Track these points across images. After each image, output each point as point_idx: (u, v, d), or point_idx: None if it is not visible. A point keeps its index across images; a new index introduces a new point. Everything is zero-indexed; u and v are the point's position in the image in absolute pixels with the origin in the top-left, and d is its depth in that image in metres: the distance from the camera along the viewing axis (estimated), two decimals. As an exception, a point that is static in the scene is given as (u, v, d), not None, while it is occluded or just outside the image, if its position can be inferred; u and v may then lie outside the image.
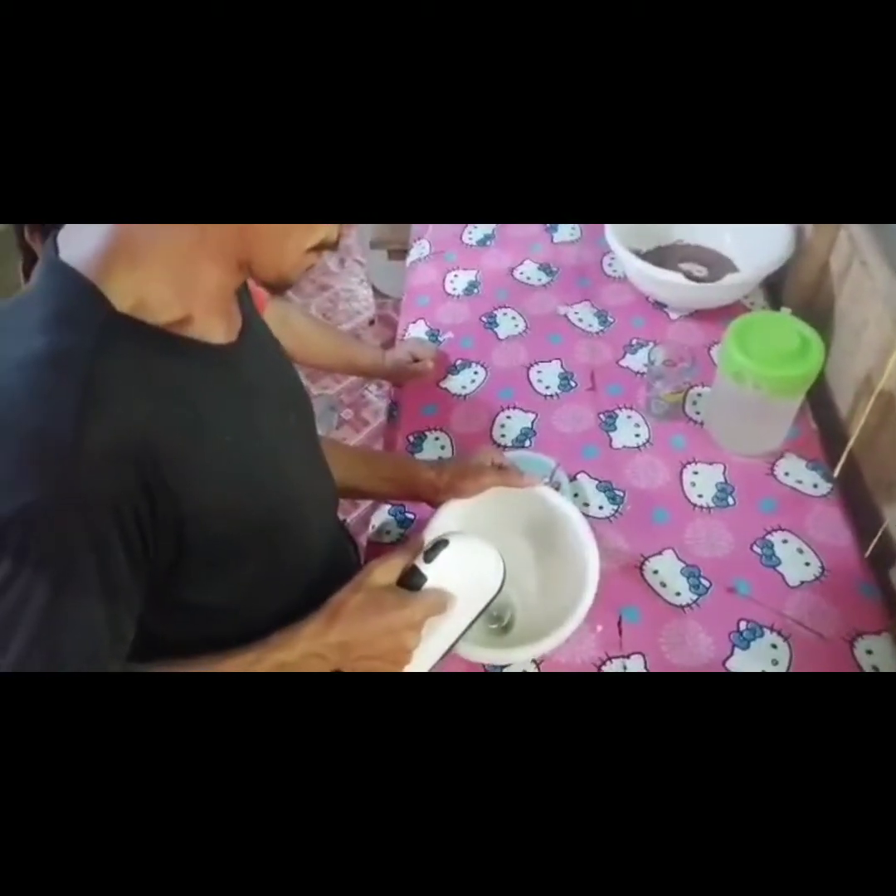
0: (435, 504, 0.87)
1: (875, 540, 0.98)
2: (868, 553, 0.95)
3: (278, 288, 0.60)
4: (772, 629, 0.85)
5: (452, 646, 0.66)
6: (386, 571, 0.63)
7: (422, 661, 0.65)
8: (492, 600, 0.67)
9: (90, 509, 0.48)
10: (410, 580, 0.63)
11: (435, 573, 0.63)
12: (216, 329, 0.58)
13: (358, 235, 2.24)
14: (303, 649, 0.60)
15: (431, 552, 0.64)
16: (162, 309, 0.53)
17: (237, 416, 0.59)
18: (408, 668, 0.64)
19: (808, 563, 0.91)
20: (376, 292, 2.37)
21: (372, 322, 2.33)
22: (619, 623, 0.87)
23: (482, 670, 0.81)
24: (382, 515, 1.02)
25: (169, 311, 0.53)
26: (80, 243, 0.52)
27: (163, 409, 0.51)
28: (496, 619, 0.84)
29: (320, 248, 0.59)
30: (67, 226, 0.54)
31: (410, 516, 1.01)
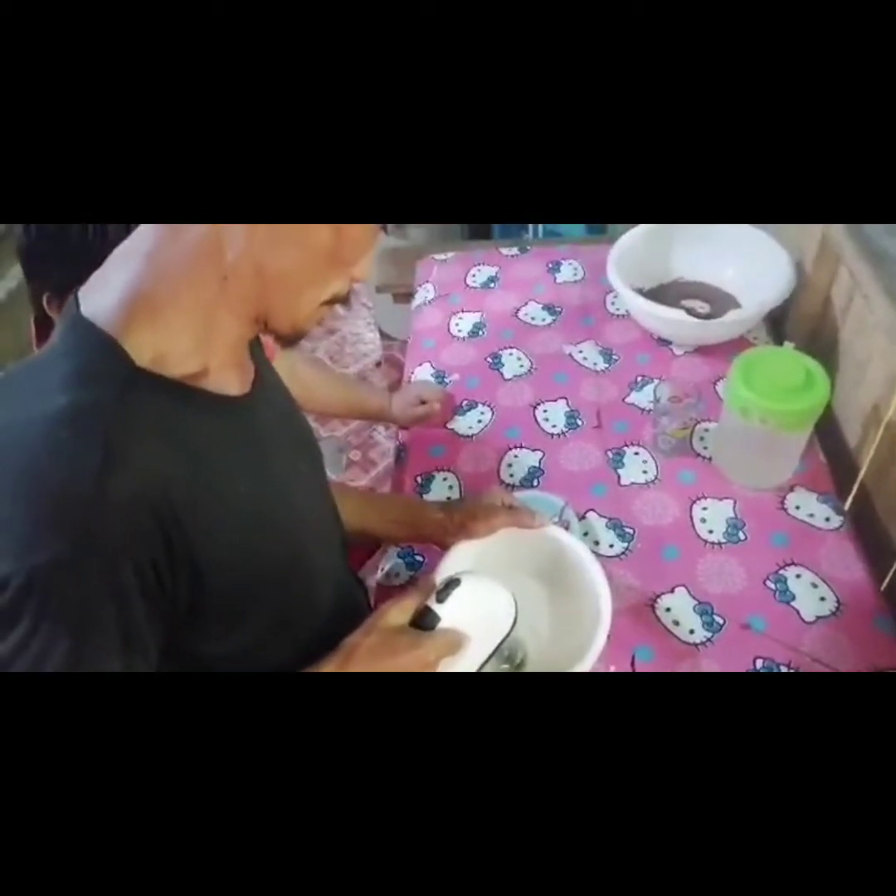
0: (445, 546, 0.87)
1: (891, 572, 0.97)
2: (884, 586, 0.94)
3: (291, 340, 0.61)
4: (788, 667, 0.84)
5: None
6: (399, 613, 0.63)
7: None
8: (504, 639, 0.67)
9: (110, 559, 0.48)
10: (423, 621, 0.63)
11: (447, 613, 0.63)
12: (231, 381, 0.59)
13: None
14: None
15: (443, 592, 0.64)
16: (180, 362, 0.54)
17: (251, 465, 0.59)
18: None
19: (823, 598, 0.90)
20: (383, 335, 2.39)
21: (379, 364, 2.35)
22: (633, 663, 0.86)
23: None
24: (391, 559, 1.02)
25: (187, 364, 0.54)
26: (101, 298, 0.53)
27: (180, 461, 0.52)
28: (508, 659, 0.83)
29: (333, 301, 0.60)
30: (89, 281, 0.55)
31: (419, 559, 1.01)
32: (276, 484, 0.62)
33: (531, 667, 0.83)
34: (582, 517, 1.01)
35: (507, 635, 0.67)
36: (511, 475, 1.09)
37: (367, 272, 0.61)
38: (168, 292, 0.53)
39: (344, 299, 0.61)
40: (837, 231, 1.08)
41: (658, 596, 0.92)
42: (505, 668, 0.83)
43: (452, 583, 0.64)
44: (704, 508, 1.01)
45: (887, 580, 0.96)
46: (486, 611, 0.66)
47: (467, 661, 0.65)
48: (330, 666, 0.61)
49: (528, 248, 1.52)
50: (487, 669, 0.67)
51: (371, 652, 0.60)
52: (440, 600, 0.63)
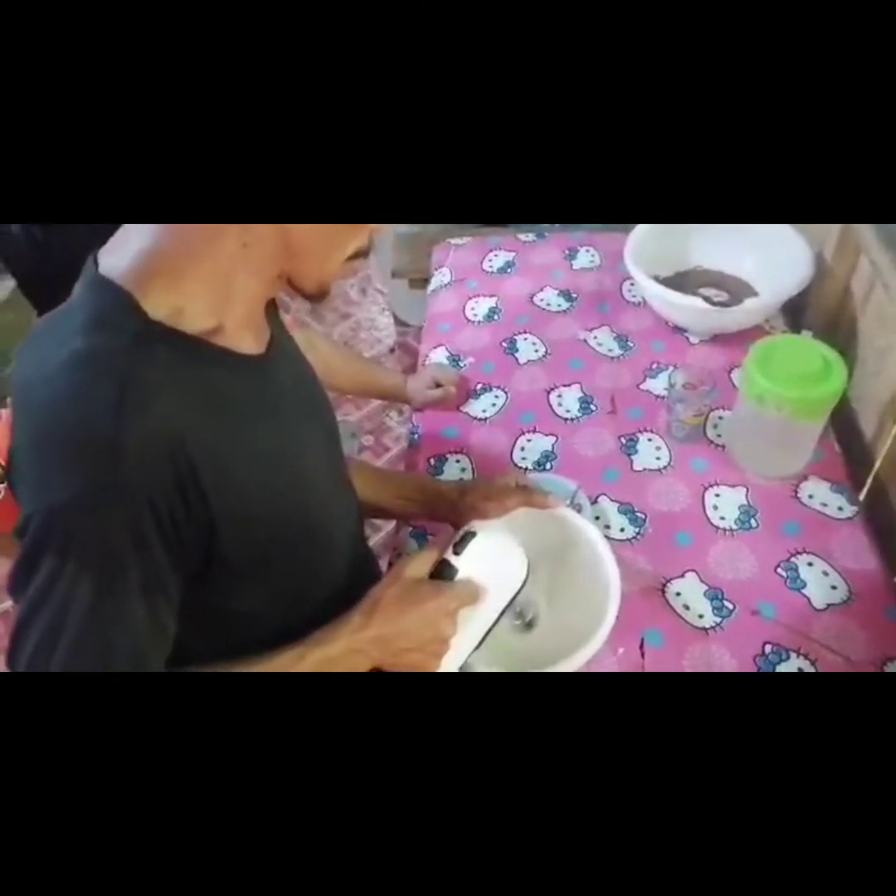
0: (457, 525, 0.87)
1: (903, 564, 0.97)
2: (896, 577, 0.94)
3: (317, 297, 0.62)
4: (798, 653, 0.84)
5: (484, 638, 0.68)
6: (419, 564, 0.65)
7: (456, 653, 0.67)
8: (518, 592, 0.69)
9: (130, 506, 0.49)
10: (442, 572, 0.65)
11: (464, 565, 0.66)
12: (246, 340, 0.60)
13: (379, 265, 2.27)
14: (344, 644, 0.61)
15: (460, 544, 0.66)
16: (196, 319, 0.54)
17: (266, 423, 0.60)
18: (444, 660, 0.65)
19: (834, 587, 0.90)
20: (397, 321, 2.39)
21: (392, 350, 2.35)
22: (642, 646, 0.86)
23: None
24: (404, 538, 1.02)
25: (202, 321, 0.55)
26: (119, 258, 0.54)
27: (196, 412, 0.53)
28: (520, 615, 0.85)
29: (357, 255, 0.61)
30: (108, 243, 0.56)
31: (431, 537, 1.01)
32: (290, 444, 0.63)
33: (539, 648, 0.84)
34: (594, 501, 1.01)
35: (521, 587, 0.69)
36: (524, 459, 1.09)
37: (384, 225, 0.62)
38: (186, 258, 0.54)
39: (366, 253, 0.62)
40: (859, 220, 1.08)
41: (669, 580, 0.92)
42: (517, 624, 0.84)
43: (468, 535, 0.67)
44: (717, 495, 1.01)
45: (900, 571, 0.96)
46: (500, 564, 0.68)
47: (484, 614, 0.67)
48: (357, 619, 0.62)
49: (546, 234, 1.52)
50: (501, 624, 0.69)
51: (396, 602, 0.62)
52: (457, 552, 0.66)
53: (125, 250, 0.54)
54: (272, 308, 0.67)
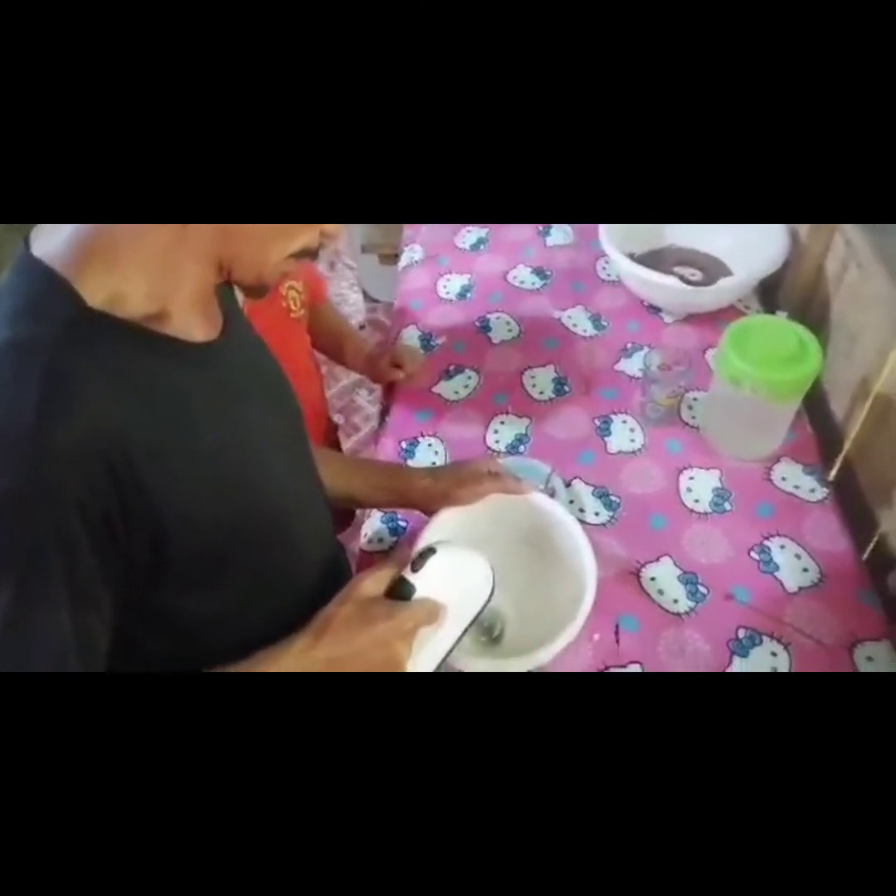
0: (429, 512, 0.85)
1: (871, 545, 0.98)
2: (865, 558, 0.95)
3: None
4: (771, 637, 0.84)
5: (445, 658, 0.65)
6: (374, 583, 0.61)
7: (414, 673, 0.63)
8: (482, 609, 0.65)
9: (56, 507, 0.45)
10: (399, 591, 0.61)
11: (424, 583, 0.61)
12: (196, 327, 0.57)
13: (348, 239, 2.23)
14: (290, 666, 0.57)
15: (419, 561, 0.62)
16: (136, 304, 0.51)
17: (219, 415, 0.57)
18: None
19: (806, 569, 0.90)
20: (367, 296, 2.35)
21: (363, 327, 2.31)
22: (617, 631, 0.86)
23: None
24: (374, 524, 1.00)
25: (144, 305, 0.52)
26: (53, 239, 0.50)
27: (135, 406, 0.49)
28: (487, 631, 0.82)
29: (302, 255, 0.58)
30: (42, 224, 0.52)
31: (403, 524, 0.99)
32: (246, 436, 0.60)
33: (514, 636, 0.83)
34: (568, 484, 1.00)
35: (486, 604, 0.65)
36: (497, 441, 1.08)
37: (338, 228, 0.59)
38: (125, 235, 0.50)
39: (313, 253, 0.59)
40: (834, 199, 1.07)
41: (643, 565, 0.92)
42: (483, 640, 0.82)
43: (427, 552, 0.62)
44: (691, 478, 1.01)
45: (867, 552, 0.96)
46: (463, 581, 0.64)
47: (445, 633, 0.63)
48: (304, 639, 0.58)
49: (519, 209, 1.49)
50: (466, 640, 0.66)
51: (346, 623, 0.58)
52: (415, 570, 0.61)
53: (59, 232, 0.50)
54: (226, 292, 0.63)
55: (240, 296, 0.68)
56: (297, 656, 0.57)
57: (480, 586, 0.65)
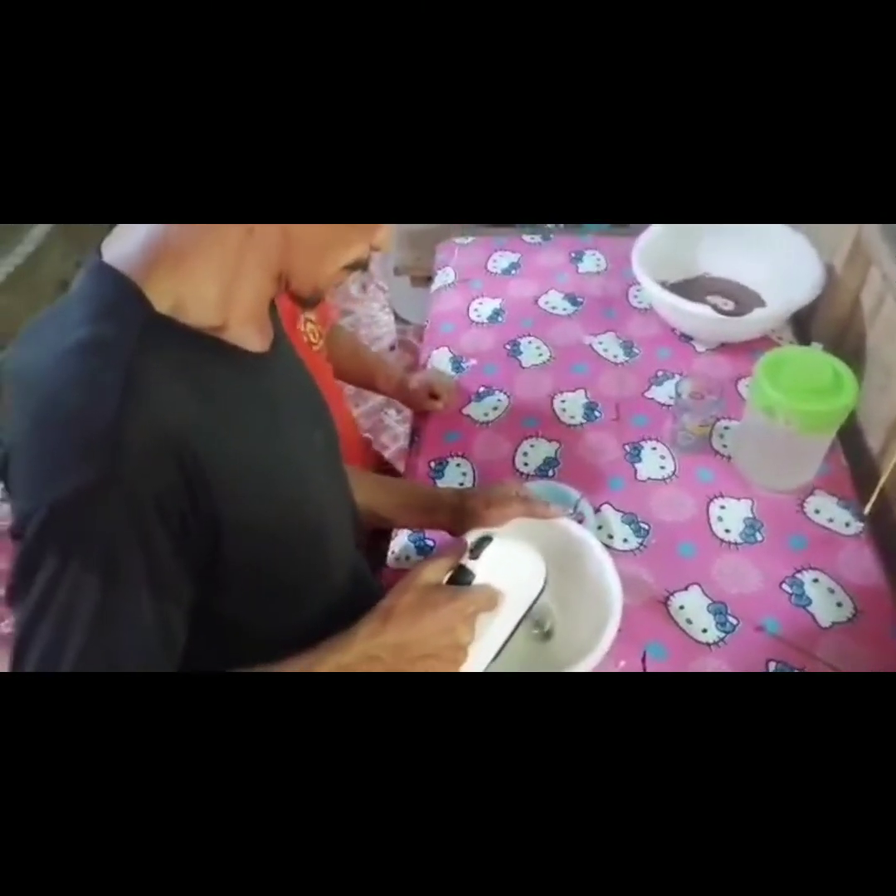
0: (456, 534, 0.85)
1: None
2: (901, 595, 0.93)
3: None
4: (803, 671, 0.82)
5: (504, 646, 0.66)
6: (434, 570, 0.63)
7: (474, 660, 0.64)
8: (537, 599, 0.67)
9: (135, 501, 0.47)
10: (459, 577, 0.63)
11: (481, 571, 0.64)
12: (250, 338, 0.59)
13: (381, 261, 2.25)
14: (359, 651, 0.59)
15: (477, 549, 0.64)
16: (200, 312, 0.53)
17: (266, 423, 0.59)
18: (462, 667, 0.63)
19: (840, 604, 0.88)
20: (398, 318, 2.37)
21: (393, 347, 2.33)
22: (644, 659, 0.85)
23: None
24: (402, 541, 1.00)
25: (207, 315, 0.54)
26: (123, 247, 0.52)
27: (200, 407, 0.51)
28: (538, 625, 0.83)
29: (355, 266, 0.60)
30: (113, 232, 0.55)
31: (430, 543, 1.00)
32: (289, 449, 0.61)
33: (539, 660, 0.82)
34: (597, 510, 1.00)
35: (540, 594, 0.67)
36: (526, 464, 1.08)
37: (387, 242, 0.61)
38: (192, 241, 0.52)
39: (364, 265, 0.61)
40: (872, 232, 1.06)
41: (672, 593, 0.91)
42: (536, 633, 0.83)
43: (484, 540, 0.65)
44: (722, 507, 1.00)
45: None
46: (517, 570, 0.67)
47: (503, 621, 0.65)
48: (371, 625, 0.60)
49: (551, 236, 1.50)
50: (519, 633, 0.67)
51: (411, 609, 0.60)
52: (474, 556, 0.64)
53: (129, 238, 0.53)
54: (273, 310, 0.65)
55: None
56: (365, 640, 0.59)
57: (534, 577, 0.67)
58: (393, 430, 2.08)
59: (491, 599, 0.63)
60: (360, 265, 0.61)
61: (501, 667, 0.67)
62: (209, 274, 0.53)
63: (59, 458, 0.46)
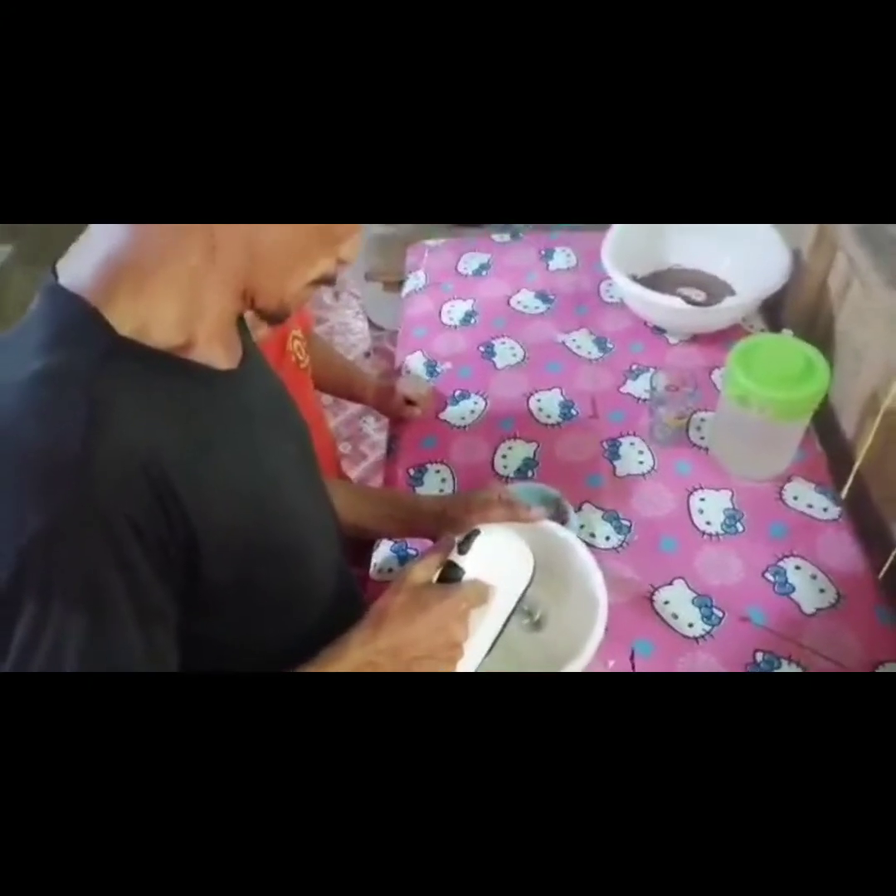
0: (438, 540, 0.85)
1: (888, 562, 0.96)
2: (882, 576, 0.93)
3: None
4: (790, 660, 0.83)
5: (497, 638, 0.66)
6: (423, 569, 0.63)
7: (471, 656, 0.64)
8: (527, 588, 0.67)
9: (109, 527, 0.45)
10: (449, 574, 0.63)
11: (470, 565, 0.64)
12: (218, 355, 0.57)
13: (352, 268, 2.24)
14: (354, 659, 0.58)
15: (464, 544, 0.64)
16: (164, 333, 0.52)
17: (239, 439, 0.58)
18: (459, 664, 0.63)
19: (822, 590, 0.89)
20: (372, 325, 2.36)
21: (368, 354, 2.32)
22: (632, 657, 0.85)
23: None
24: (384, 552, 1.00)
25: (171, 335, 0.52)
26: (81, 267, 0.51)
27: (167, 429, 0.50)
28: (528, 614, 0.83)
29: (320, 281, 0.59)
30: (69, 251, 0.53)
31: (412, 552, 0.99)
32: (265, 464, 0.60)
33: (527, 662, 0.82)
34: (578, 509, 0.99)
35: (530, 583, 0.67)
36: (505, 466, 1.07)
37: (354, 254, 0.60)
38: (153, 261, 0.51)
39: (331, 280, 0.60)
40: (835, 217, 1.07)
41: (656, 588, 0.91)
42: (526, 623, 0.83)
43: (472, 533, 0.65)
44: (702, 499, 1.00)
45: (885, 570, 0.95)
46: (506, 562, 0.67)
47: (494, 612, 0.65)
48: (364, 631, 0.60)
49: (521, 234, 1.50)
50: (511, 625, 0.67)
51: (403, 611, 0.60)
52: (462, 552, 0.64)
53: (86, 260, 0.51)
54: (242, 324, 0.64)
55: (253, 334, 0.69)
56: (359, 648, 0.59)
57: (523, 566, 0.68)
58: (371, 438, 2.07)
59: (482, 594, 0.63)
60: (327, 280, 0.60)
61: (495, 660, 0.67)
62: (172, 293, 0.52)
63: (24, 497, 0.44)
